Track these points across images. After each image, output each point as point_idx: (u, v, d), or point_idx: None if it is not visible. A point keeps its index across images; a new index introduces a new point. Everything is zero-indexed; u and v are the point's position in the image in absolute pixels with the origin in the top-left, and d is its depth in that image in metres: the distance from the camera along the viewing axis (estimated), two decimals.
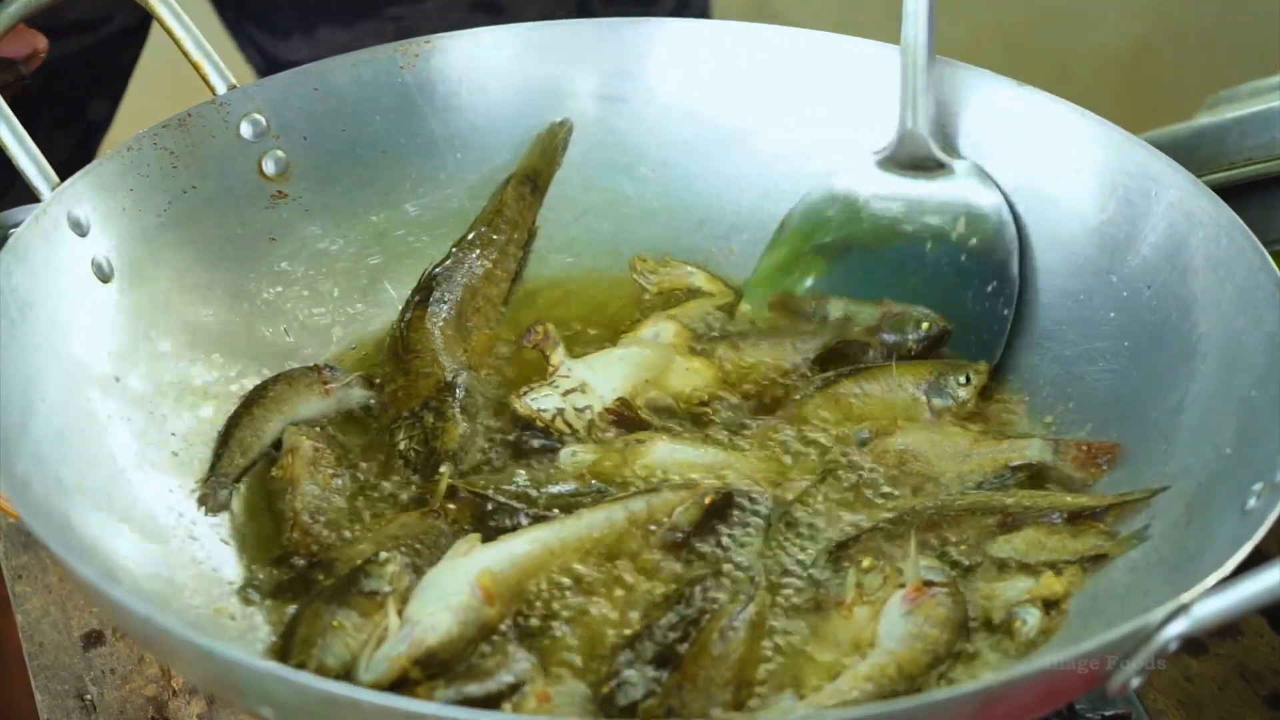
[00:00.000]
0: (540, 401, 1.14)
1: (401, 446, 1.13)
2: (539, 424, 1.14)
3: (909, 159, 1.23)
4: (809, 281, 1.24)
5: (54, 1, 1.16)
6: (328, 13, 1.58)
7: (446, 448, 1.12)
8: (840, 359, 1.19)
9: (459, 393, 1.14)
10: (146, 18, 1.55)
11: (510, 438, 1.14)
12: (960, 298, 1.20)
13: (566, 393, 1.15)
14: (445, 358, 1.17)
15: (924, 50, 1.20)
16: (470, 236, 1.25)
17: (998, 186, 1.21)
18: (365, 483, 1.12)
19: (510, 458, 1.13)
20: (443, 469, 1.10)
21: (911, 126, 1.22)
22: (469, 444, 1.12)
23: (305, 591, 1.04)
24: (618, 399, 1.14)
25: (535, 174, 1.28)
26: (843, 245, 1.24)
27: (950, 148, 1.23)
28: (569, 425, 1.14)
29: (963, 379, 1.16)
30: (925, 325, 1.19)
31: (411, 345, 1.19)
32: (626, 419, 1.14)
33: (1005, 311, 1.19)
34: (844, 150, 1.26)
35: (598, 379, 1.16)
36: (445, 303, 1.21)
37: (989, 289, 1.20)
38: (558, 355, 1.16)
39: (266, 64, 1.63)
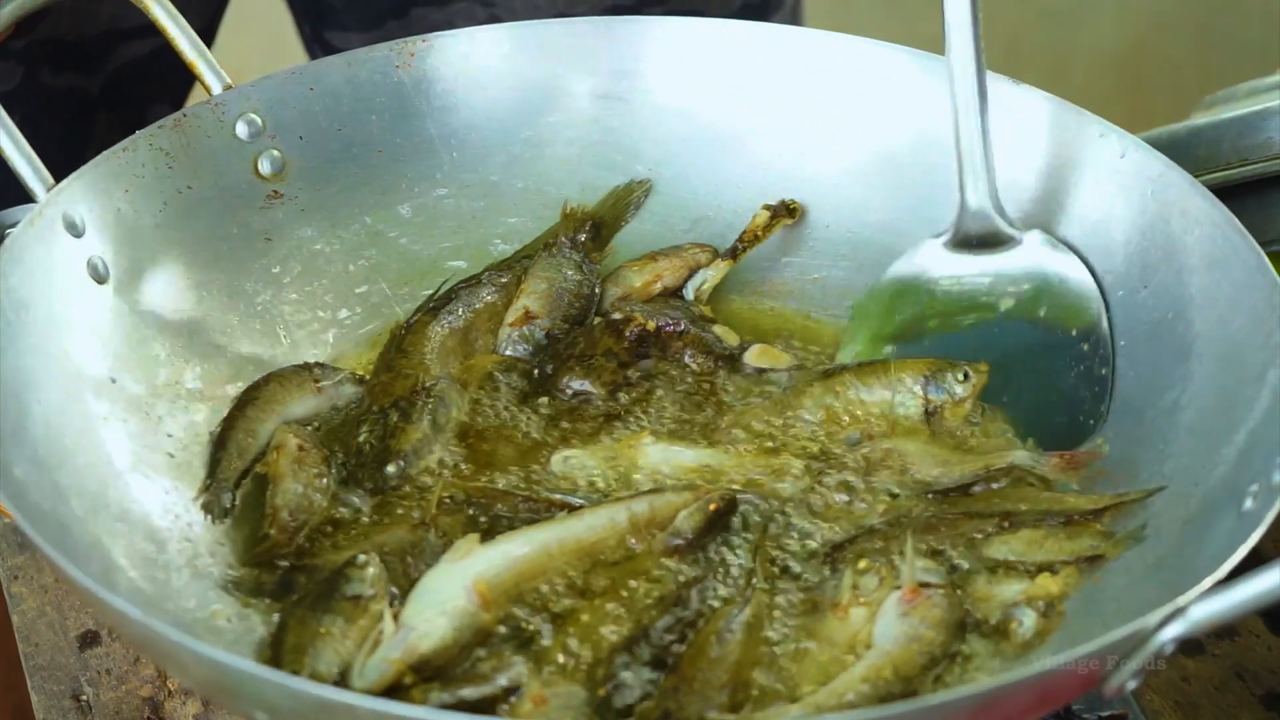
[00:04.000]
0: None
1: (361, 438, 1.13)
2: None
3: (976, 236, 1.19)
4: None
5: (51, 2, 1.16)
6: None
7: (399, 448, 1.11)
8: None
9: (431, 400, 1.14)
10: (208, 23, 1.55)
11: None
12: (1051, 365, 1.16)
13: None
14: (434, 365, 1.17)
15: (979, 129, 1.16)
16: (511, 263, 1.24)
17: (1070, 248, 1.18)
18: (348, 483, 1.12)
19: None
20: (389, 469, 1.10)
21: (975, 205, 1.18)
22: (423, 450, 1.12)
23: (286, 594, 1.03)
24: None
25: (601, 222, 1.27)
26: (917, 330, 1.20)
27: (1013, 220, 1.18)
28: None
29: (961, 375, 1.15)
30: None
31: (405, 346, 1.18)
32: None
33: (1103, 371, 1.14)
34: (843, 150, 1.26)
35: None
36: (455, 315, 1.20)
37: (1082, 350, 1.15)
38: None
39: None
